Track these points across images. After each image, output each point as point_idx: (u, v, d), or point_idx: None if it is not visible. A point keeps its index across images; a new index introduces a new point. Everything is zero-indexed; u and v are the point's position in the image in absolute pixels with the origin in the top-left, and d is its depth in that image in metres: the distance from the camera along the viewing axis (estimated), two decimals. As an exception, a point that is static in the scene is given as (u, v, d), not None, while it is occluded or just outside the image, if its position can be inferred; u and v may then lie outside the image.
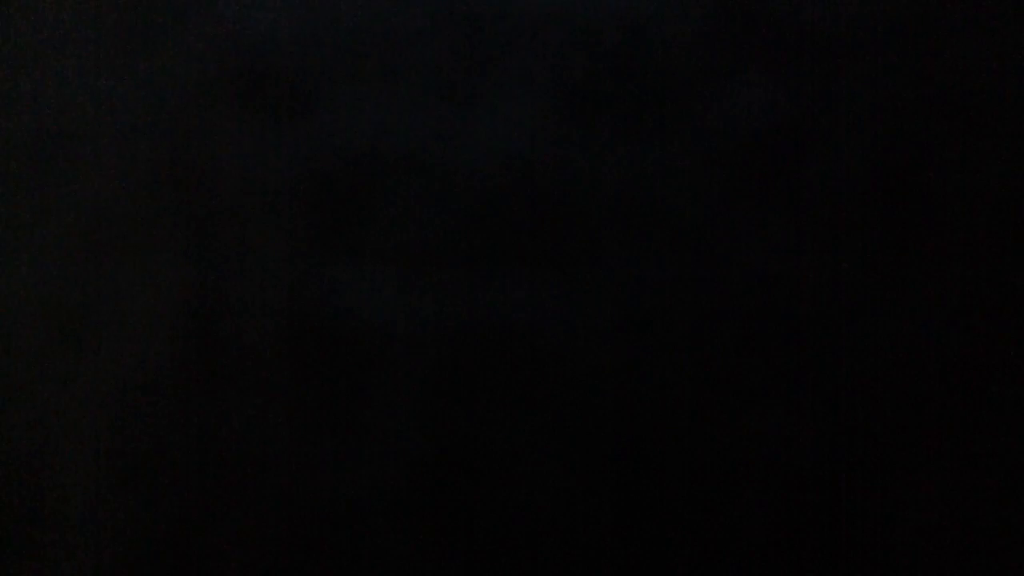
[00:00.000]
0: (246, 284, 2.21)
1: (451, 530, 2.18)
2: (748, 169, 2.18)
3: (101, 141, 2.24)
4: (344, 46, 2.22)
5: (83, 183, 2.23)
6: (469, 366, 2.19)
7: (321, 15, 2.22)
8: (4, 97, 2.25)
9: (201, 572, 2.20)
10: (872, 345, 2.16)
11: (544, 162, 2.19)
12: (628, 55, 2.19)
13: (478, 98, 2.21)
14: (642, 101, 2.19)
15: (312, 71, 2.22)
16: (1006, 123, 2.17)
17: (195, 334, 2.21)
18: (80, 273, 2.23)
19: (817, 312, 2.16)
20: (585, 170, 2.19)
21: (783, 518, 2.15)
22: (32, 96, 2.25)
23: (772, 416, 2.16)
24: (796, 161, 2.18)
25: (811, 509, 2.15)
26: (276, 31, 2.22)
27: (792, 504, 2.16)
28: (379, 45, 2.22)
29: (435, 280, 2.20)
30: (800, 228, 2.17)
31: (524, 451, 2.18)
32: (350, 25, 2.22)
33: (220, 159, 2.22)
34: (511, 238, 2.20)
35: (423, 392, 2.19)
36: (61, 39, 2.24)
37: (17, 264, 2.23)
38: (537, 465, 2.18)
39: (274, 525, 2.20)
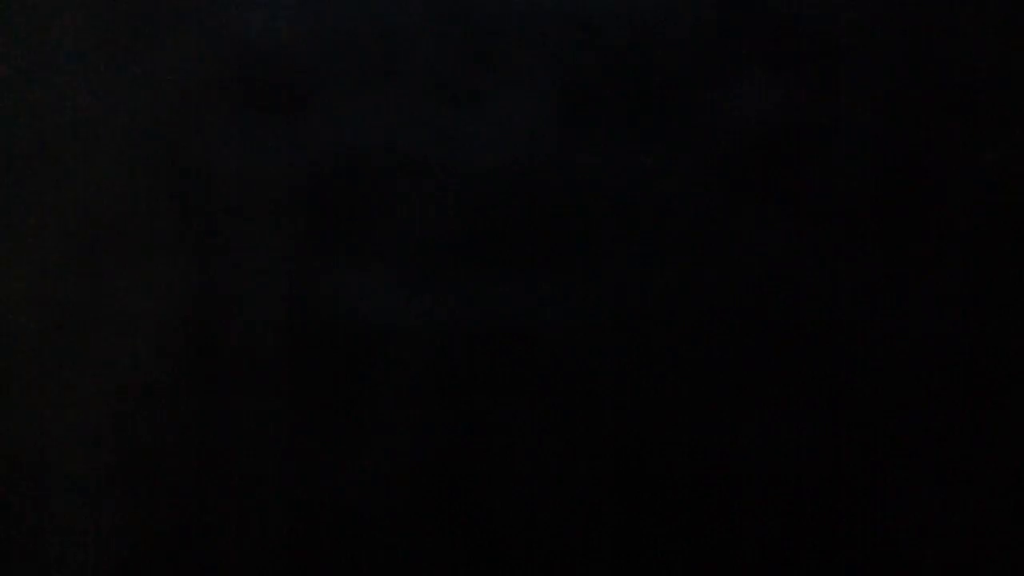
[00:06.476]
0: (246, 284, 2.21)
1: (451, 530, 2.19)
2: (750, 169, 2.18)
3: (100, 141, 2.24)
4: (344, 46, 2.22)
5: (83, 183, 2.23)
6: (469, 366, 2.19)
7: (321, 15, 2.22)
8: (3, 97, 2.25)
9: (201, 572, 2.20)
10: (874, 345, 2.16)
11: (545, 162, 2.20)
12: (629, 54, 2.20)
13: (478, 98, 2.21)
14: (644, 101, 2.19)
15: (312, 71, 2.22)
16: (1008, 121, 2.17)
17: (195, 334, 2.21)
18: (80, 273, 2.23)
19: (818, 312, 2.17)
20: (586, 170, 2.19)
21: (784, 518, 2.16)
22: (32, 96, 2.25)
23: (773, 416, 2.16)
24: (798, 161, 2.18)
25: (812, 509, 2.16)
26: (276, 31, 2.22)
27: (793, 504, 2.16)
28: (379, 45, 2.22)
29: (435, 280, 2.20)
30: (802, 228, 2.17)
31: (524, 451, 2.18)
32: (350, 25, 2.22)
33: (220, 159, 2.22)
34: (511, 238, 2.20)
35: (423, 392, 2.19)
36: (61, 39, 2.25)
37: (17, 264, 2.23)
38: (537, 464, 2.18)
39: (274, 526, 2.20)
